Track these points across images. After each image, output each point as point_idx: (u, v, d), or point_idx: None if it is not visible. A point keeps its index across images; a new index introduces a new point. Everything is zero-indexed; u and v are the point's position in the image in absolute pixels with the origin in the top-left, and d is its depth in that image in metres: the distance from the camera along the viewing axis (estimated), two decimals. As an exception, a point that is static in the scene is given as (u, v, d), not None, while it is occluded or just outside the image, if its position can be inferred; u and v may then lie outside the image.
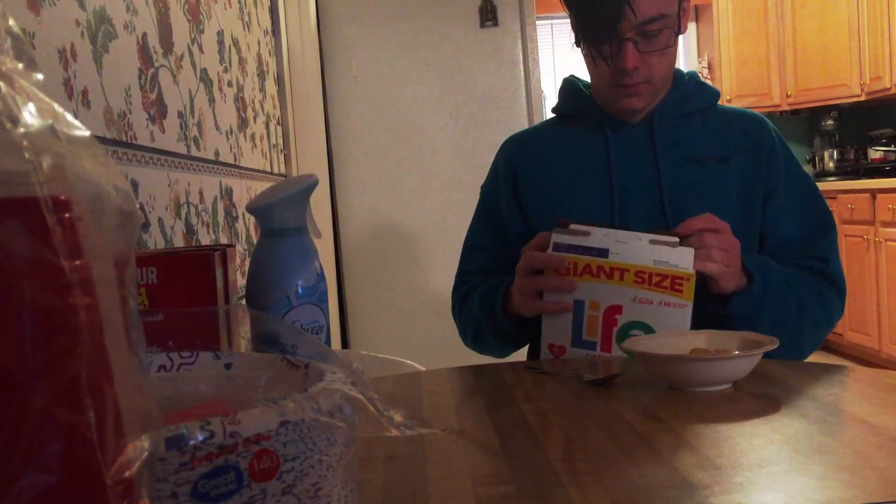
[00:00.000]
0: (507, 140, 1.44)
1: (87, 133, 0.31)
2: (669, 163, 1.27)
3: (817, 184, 1.35)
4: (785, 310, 1.19)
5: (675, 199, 1.25)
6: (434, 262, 3.33)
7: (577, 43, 1.24)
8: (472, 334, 1.35)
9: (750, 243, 1.27)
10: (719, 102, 1.36)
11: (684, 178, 1.26)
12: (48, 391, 0.27)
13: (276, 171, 2.69)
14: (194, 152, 1.65)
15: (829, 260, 1.27)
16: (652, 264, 1.07)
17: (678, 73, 1.33)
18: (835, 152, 5.21)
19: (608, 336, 1.08)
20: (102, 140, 1.16)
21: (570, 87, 1.39)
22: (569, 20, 1.29)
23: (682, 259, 1.08)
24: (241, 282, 1.66)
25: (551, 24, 6.19)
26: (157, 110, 1.42)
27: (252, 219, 2.13)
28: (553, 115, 1.44)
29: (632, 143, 1.30)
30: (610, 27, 1.16)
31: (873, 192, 4.13)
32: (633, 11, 1.15)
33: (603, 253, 1.09)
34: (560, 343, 1.11)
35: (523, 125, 3.56)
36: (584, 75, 1.44)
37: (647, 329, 1.07)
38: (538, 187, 1.34)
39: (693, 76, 1.34)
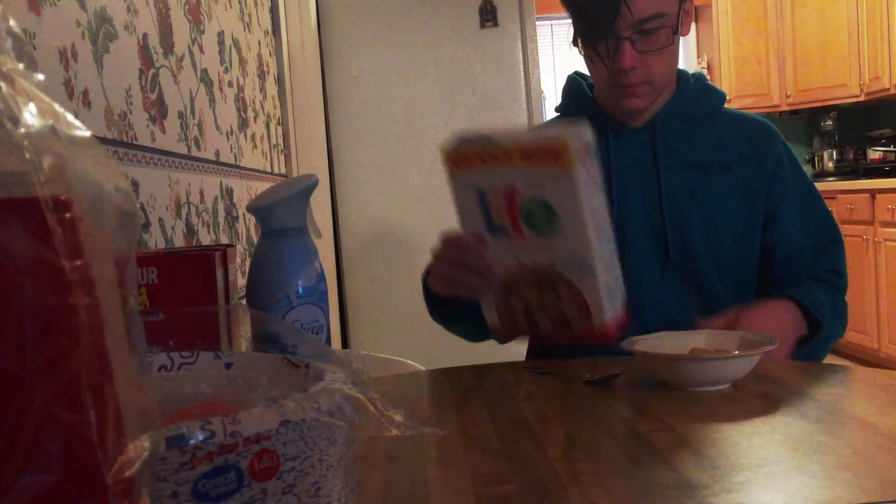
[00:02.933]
0: None
1: (87, 133, 0.31)
2: (670, 169, 1.26)
3: (817, 184, 1.34)
4: (833, 332, 1.22)
5: (675, 206, 1.24)
6: (434, 262, 3.33)
7: (575, 42, 1.23)
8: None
9: (750, 253, 1.26)
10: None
11: (685, 186, 1.25)
12: (48, 391, 0.27)
13: (276, 171, 2.69)
14: (195, 152, 1.65)
15: (841, 272, 1.27)
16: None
17: (683, 74, 1.31)
18: (834, 152, 5.21)
19: (514, 218, 1.05)
20: (103, 140, 1.16)
21: (573, 86, 1.38)
22: (569, 20, 1.29)
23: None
24: (242, 282, 1.66)
25: (551, 25, 6.19)
26: (158, 111, 1.42)
27: (253, 219, 2.13)
28: (556, 113, 1.42)
29: (633, 148, 1.28)
30: (606, 25, 1.15)
31: (872, 193, 4.13)
32: (629, 10, 1.13)
33: (488, 141, 1.03)
34: (477, 231, 1.07)
35: (523, 125, 3.56)
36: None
37: (547, 206, 1.03)
38: None
39: (699, 78, 1.33)
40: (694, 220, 1.23)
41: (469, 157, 1.06)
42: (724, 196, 1.25)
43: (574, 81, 1.38)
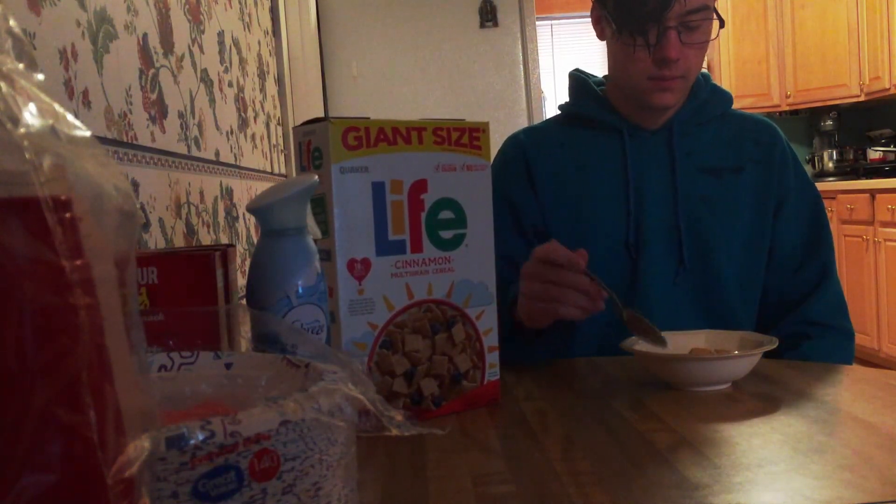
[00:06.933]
0: (510, 137, 1.37)
1: (87, 133, 0.31)
2: (686, 173, 1.25)
3: (817, 184, 1.34)
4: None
5: (689, 210, 1.23)
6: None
7: (620, 30, 1.19)
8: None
9: (759, 256, 1.25)
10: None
11: (699, 190, 1.24)
12: (48, 391, 0.27)
13: (276, 171, 2.69)
14: (195, 152, 1.65)
15: (830, 269, 1.26)
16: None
17: None
18: (834, 152, 5.21)
19: (417, 229, 0.84)
20: (103, 140, 1.16)
21: (582, 86, 1.35)
22: (591, 10, 1.25)
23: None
24: (242, 282, 1.66)
25: (551, 25, 6.19)
26: (158, 110, 1.42)
27: (252, 219, 2.13)
28: (558, 112, 1.38)
29: (650, 151, 1.26)
30: (661, 12, 1.13)
31: (872, 193, 4.13)
32: None
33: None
34: (363, 256, 0.82)
35: (523, 125, 3.56)
36: (588, 70, 1.41)
37: (456, 209, 0.87)
38: (553, 186, 1.29)
39: (707, 78, 1.31)
40: (707, 225, 1.23)
41: (370, 133, 0.81)
42: (736, 200, 1.24)
43: (580, 80, 1.35)
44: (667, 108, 1.24)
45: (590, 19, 1.31)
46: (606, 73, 1.34)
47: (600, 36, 1.27)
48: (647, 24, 1.15)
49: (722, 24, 1.19)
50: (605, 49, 1.28)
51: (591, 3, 1.28)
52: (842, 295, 1.27)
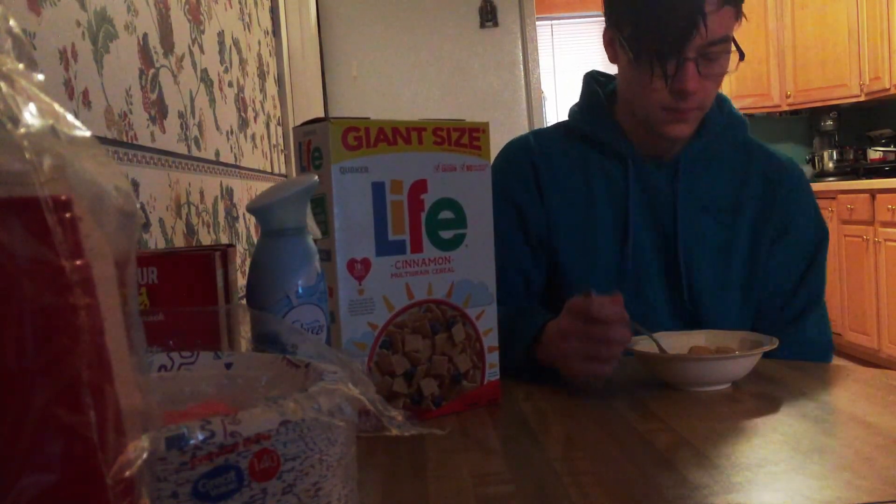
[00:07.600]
0: (517, 140, 1.34)
1: (87, 133, 0.31)
2: (686, 211, 1.22)
3: (817, 184, 1.32)
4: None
5: (685, 249, 1.21)
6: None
7: (636, 58, 1.13)
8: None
9: (753, 295, 1.23)
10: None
11: (697, 230, 1.22)
12: (48, 391, 0.27)
13: (276, 171, 2.69)
14: (195, 152, 1.65)
15: (820, 297, 1.24)
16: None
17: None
18: (834, 153, 5.21)
19: (417, 229, 0.84)
20: (103, 140, 1.16)
21: (595, 105, 1.29)
22: (603, 32, 1.21)
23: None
24: (242, 282, 1.66)
25: (551, 25, 6.19)
26: (158, 110, 1.42)
27: (253, 219, 2.13)
28: (567, 117, 1.33)
29: (653, 185, 1.23)
30: (681, 43, 1.09)
31: (873, 193, 4.13)
32: (706, 28, 1.08)
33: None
34: (363, 256, 0.82)
35: (523, 125, 3.56)
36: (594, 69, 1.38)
37: (456, 209, 0.87)
38: (559, 193, 1.26)
39: (725, 104, 1.26)
40: (702, 264, 1.21)
41: (370, 133, 0.81)
42: (732, 241, 1.22)
43: (593, 92, 1.30)
44: (682, 138, 1.20)
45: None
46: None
47: (612, 59, 1.22)
48: (666, 55, 1.11)
49: (742, 57, 1.14)
50: (605, 51, 1.25)
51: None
52: (826, 330, 1.24)
